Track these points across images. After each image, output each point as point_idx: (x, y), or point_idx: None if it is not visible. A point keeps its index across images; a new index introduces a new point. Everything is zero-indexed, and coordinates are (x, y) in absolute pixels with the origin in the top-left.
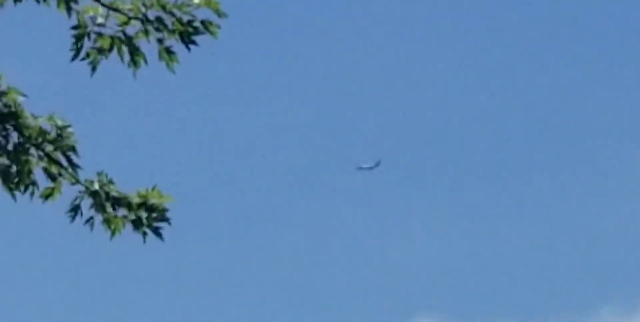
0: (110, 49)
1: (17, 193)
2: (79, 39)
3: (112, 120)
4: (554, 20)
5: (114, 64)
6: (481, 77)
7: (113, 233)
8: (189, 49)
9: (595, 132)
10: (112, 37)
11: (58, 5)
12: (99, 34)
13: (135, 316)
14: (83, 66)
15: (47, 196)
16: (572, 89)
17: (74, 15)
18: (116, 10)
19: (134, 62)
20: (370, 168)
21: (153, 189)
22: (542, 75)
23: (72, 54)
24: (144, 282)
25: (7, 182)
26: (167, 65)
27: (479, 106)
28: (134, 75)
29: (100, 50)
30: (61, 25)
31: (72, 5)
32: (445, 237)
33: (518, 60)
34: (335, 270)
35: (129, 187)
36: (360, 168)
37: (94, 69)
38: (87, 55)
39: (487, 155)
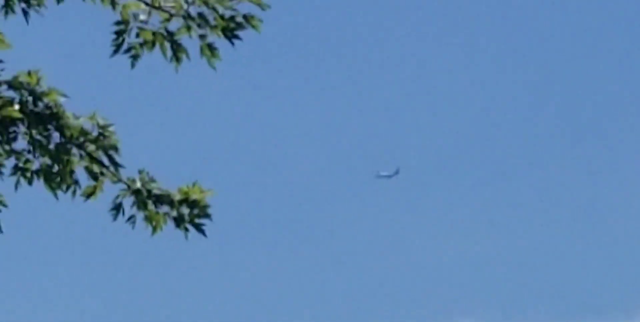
0: (153, 44)
1: (59, 192)
2: (120, 34)
3: (153, 116)
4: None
5: (155, 59)
6: (500, 79)
7: (154, 229)
8: (232, 44)
9: (633, 131)
10: (154, 32)
11: (102, 1)
12: (141, 29)
13: (178, 311)
14: (125, 64)
15: (89, 195)
16: (600, 87)
17: (114, 12)
18: (158, 8)
19: (176, 58)
20: (389, 176)
21: (194, 185)
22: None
23: (112, 50)
24: (186, 278)
25: (49, 181)
26: (209, 61)
27: (499, 107)
28: (176, 70)
29: (142, 44)
30: (102, 23)
31: (117, 0)
32: (483, 240)
33: (541, 61)
34: (373, 273)
35: (170, 184)
36: (379, 176)
37: (134, 62)
38: (129, 49)
39: (515, 156)
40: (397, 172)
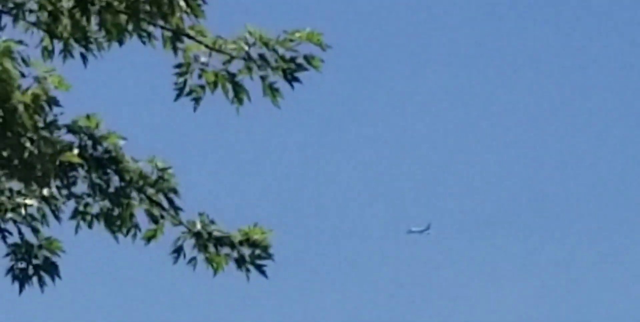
0: (215, 85)
1: (119, 235)
2: (182, 75)
3: (212, 158)
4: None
5: (216, 102)
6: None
7: (216, 271)
8: (292, 86)
9: None
10: (216, 73)
11: (164, 45)
12: (203, 70)
13: None
14: (182, 107)
15: (149, 238)
16: None
17: (175, 54)
18: (219, 50)
19: (238, 99)
20: (420, 232)
21: (255, 225)
22: None
23: (175, 93)
24: (248, 320)
25: (109, 225)
26: (272, 101)
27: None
28: (237, 111)
29: (203, 86)
30: (161, 66)
31: (178, 44)
32: (538, 288)
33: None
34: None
35: (231, 226)
36: (411, 232)
37: (196, 105)
38: (190, 91)
39: (571, 204)
40: (428, 228)
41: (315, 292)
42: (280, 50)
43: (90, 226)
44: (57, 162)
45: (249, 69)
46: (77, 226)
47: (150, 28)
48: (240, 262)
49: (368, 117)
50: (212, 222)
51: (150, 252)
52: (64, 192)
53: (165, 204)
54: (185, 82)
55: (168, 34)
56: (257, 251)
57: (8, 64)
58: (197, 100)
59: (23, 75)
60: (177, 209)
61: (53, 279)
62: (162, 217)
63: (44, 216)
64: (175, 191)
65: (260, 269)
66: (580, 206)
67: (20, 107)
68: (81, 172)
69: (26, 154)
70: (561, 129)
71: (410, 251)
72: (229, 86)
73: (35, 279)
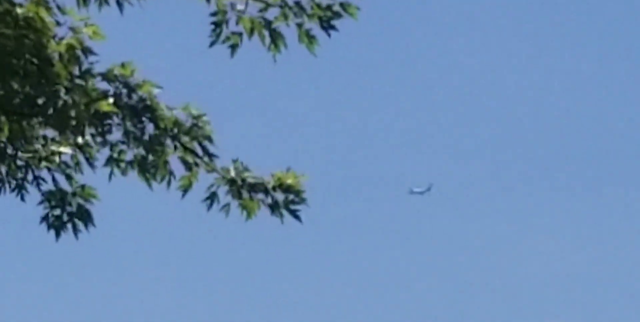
0: (251, 32)
1: (153, 183)
2: (218, 25)
3: (246, 106)
4: None
5: (252, 49)
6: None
7: (249, 215)
8: (329, 35)
9: None
10: (252, 20)
11: None
12: (240, 17)
13: (275, 296)
14: (216, 54)
15: (183, 185)
16: None
17: (212, 2)
18: None
19: (275, 45)
20: (422, 192)
21: (288, 170)
22: None
23: (210, 40)
24: (282, 264)
25: (143, 172)
26: (308, 48)
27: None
28: (274, 59)
29: (240, 34)
30: (197, 15)
31: None
32: (575, 246)
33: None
34: (463, 278)
35: (264, 172)
36: (412, 192)
37: (233, 51)
38: (227, 38)
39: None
40: (429, 189)
41: (348, 238)
42: None
43: (124, 173)
44: (92, 111)
45: (285, 16)
46: (111, 173)
47: None
48: (274, 207)
49: (401, 66)
50: (246, 169)
51: (184, 200)
52: (99, 140)
53: (199, 151)
54: (221, 29)
55: None
56: (291, 196)
57: (43, 12)
58: (233, 47)
59: (58, 23)
60: (211, 156)
61: (87, 227)
62: (196, 164)
63: (77, 163)
64: (209, 139)
65: (294, 213)
66: (581, 161)
67: (55, 57)
68: (116, 120)
69: (61, 103)
70: (565, 81)
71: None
72: (266, 33)
73: (69, 226)
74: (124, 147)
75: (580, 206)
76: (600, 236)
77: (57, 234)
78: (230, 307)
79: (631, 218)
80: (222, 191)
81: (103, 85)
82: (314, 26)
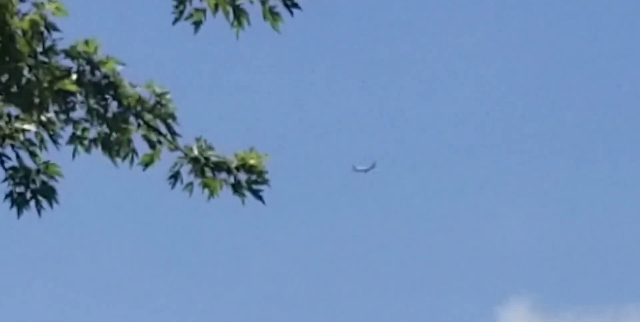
0: (215, 8)
1: (117, 160)
2: (181, 1)
3: (210, 84)
4: None
5: (216, 26)
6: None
7: (211, 194)
8: (292, 13)
9: None
10: None
11: None
12: None
13: (236, 279)
14: (183, 31)
15: (146, 163)
16: None
17: None
18: None
19: (239, 22)
20: (366, 170)
21: (251, 150)
22: None
23: (174, 17)
24: (243, 245)
25: (107, 149)
26: (272, 25)
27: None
28: (237, 35)
29: (204, 11)
30: None
31: None
32: (539, 219)
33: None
34: (431, 252)
35: (228, 151)
36: (356, 170)
37: (197, 28)
38: (190, 15)
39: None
40: (373, 167)
41: (310, 218)
42: None
43: (88, 150)
44: (55, 89)
45: None
46: (75, 151)
47: None
48: (236, 187)
49: (366, 44)
50: (210, 147)
51: (147, 177)
52: (62, 117)
53: (163, 129)
54: (184, 6)
55: None
56: (253, 176)
57: None
58: (197, 24)
59: (21, 0)
60: (174, 134)
61: (51, 204)
62: (160, 142)
63: (42, 140)
64: (173, 116)
65: (256, 194)
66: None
67: (18, 34)
68: (79, 97)
69: (24, 81)
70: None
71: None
72: (230, 9)
73: (33, 203)
74: (87, 124)
75: (544, 175)
76: (568, 205)
77: (19, 212)
78: (192, 286)
79: (598, 187)
80: (185, 169)
81: (66, 62)
82: (277, 3)
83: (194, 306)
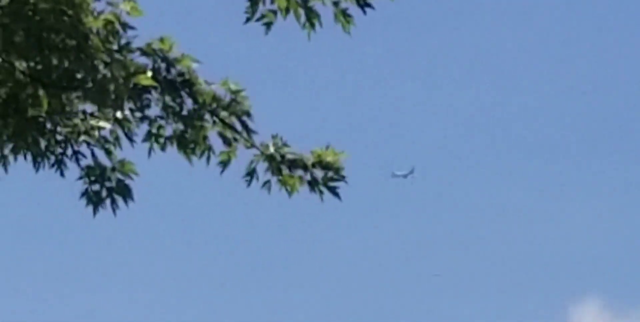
0: (287, 10)
1: (192, 158)
2: (254, 2)
3: (285, 82)
4: None
5: (288, 27)
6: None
7: (290, 192)
8: (364, 12)
9: None
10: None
11: None
12: None
13: (315, 274)
14: (258, 31)
15: (223, 161)
16: None
17: None
18: None
19: (310, 24)
20: (405, 176)
21: (327, 147)
22: None
23: (246, 17)
24: (322, 241)
25: (183, 147)
26: (343, 27)
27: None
28: (309, 37)
29: (275, 11)
30: None
31: None
32: (611, 218)
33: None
34: (504, 251)
35: (304, 149)
36: (395, 175)
37: (267, 29)
38: (262, 16)
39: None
40: (412, 172)
41: (386, 215)
42: None
43: (163, 148)
44: (131, 85)
45: None
46: (150, 149)
47: None
48: (313, 184)
49: (439, 44)
50: (285, 144)
51: (224, 175)
52: (138, 114)
53: (239, 126)
54: (257, 6)
55: None
56: (330, 173)
57: None
58: (268, 25)
59: None
60: (250, 131)
61: (126, 202)
62: (235, 139)
63: (117, 138)
64: (248, 114)
65: (333, 191)
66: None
67: (93, 32)
68: (154, 94)
69: (99, 77)
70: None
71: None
72: (301, 11)
73: (108, 201)
74: (162, 122)
75: (618, 173)
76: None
77: (95, 210)
78: (271, 282)
79: None
80: (262, 167)
81: (142, 60)
82: (350, 5)
83: (271, 302)
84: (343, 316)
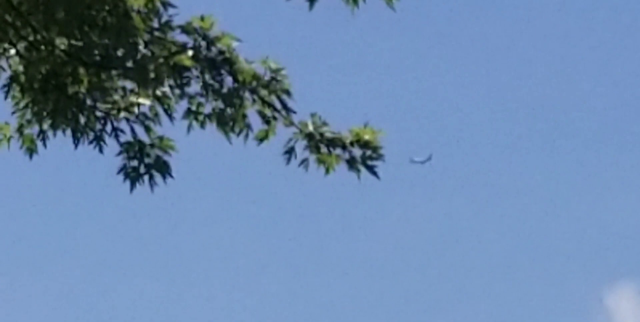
0: None
1: (231, 136)
2: None
3: (325, 60)
4: None
5: (331, 3)
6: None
7: (327, 170)
8: None
9: None
10: None
11: None
12: None
13: (351, 252)
14: (299, 8)
15: (261, 139)
16: None
17: None
18: None
19: (353, 0)
20: (422, 162)
21: (365, 126)
22: None
23: None
24: (358, 220)
25: (222, 125)
26: (387, 2)
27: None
28: (352, 12)
29: None
30: None
31: None
32: None
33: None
34: (539, 235)
35: (342, 127)
36: (413, 161)
37: (311, 5)
38: None
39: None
40: (429, 159)
41: (424, 194)
42: None
43: (202, 126)
44: (171, 64)
45: None
46: (190, 126)
47: None
48: (351, 162)
49: (486, 23)
50: (324, 123)
51: (261, 154)
52: (177, 92)
53: (278, 105)
54: None
55: None
56: (368, 152)
57: None
58: (311, 0)
59: None
60: (289, 110)
61: (164, 178)
62: (274, 118)
63: (156, 115)
64: (287, 92)
65: (371, 169)
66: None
67: (134, 10)
68: (194, 72)
69: (139, 56)
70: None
71: None
72: None
73: (146, 177)
74: (202, 99)
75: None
76: None
77: (133, 186)
78: (310, 259)
79: None
80: (300, 145)
81: (182, 38)
82: None
83: (307, 281)
84: (379, 295)
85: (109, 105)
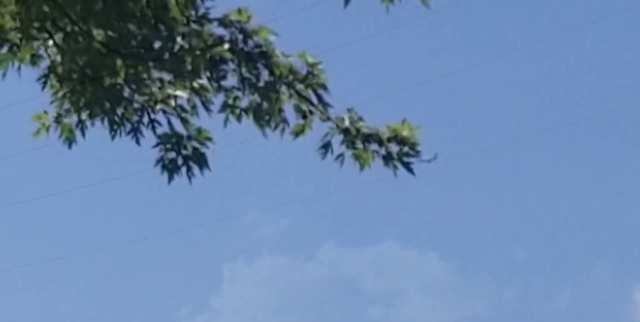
0: None
1: (268, 130)
2: None
3: (362, 55)
4: None
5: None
6: None
7: (362, 166)
8: None
9: None
10: None
11: None
12: None
13: (382, 245)
14: (336, 3)
15: (297, 133)
16: None
17: None
18: None
19: None
20: (429, 161)
21: (403, 122)
22: None
23: None
24: (393, 217)
25: (258, 119)
26: (422, 0)
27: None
28: (387, 10)
29: None
30: None
31: None
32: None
33: None
34: (568, 228)
35: (379, 122)
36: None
37: (347, 1)
38: None
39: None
40: (435, 158)
41: (461, 190)
42: None
43: (239, 119)
44: (208, 56)
45: None
46: (226, 119)
47: None
48: (387, 159)
49: (522, 20)
50: (361, 118)
51: (298, 148)
52: (214, 84)
53: (314, 99)
54: None
55: None
56: (405, 148)
57: None
58: None
59: None
60: (325, 105)
61: (201, 170)
62: (311, 112)
63: (194, 107)
64: (324, 87)
65: (407, 166)
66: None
67: (172, 1)
68: (231, 65)
69: (177, 48)
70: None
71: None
72: None
73: (184, 169)
74: (239, 93)
75: None
76: None
77: (170, 177)
78: (342, 253)
79: None
80: (336, 140)
81: (219, 31)
82: None
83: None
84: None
85: (146, 97)
